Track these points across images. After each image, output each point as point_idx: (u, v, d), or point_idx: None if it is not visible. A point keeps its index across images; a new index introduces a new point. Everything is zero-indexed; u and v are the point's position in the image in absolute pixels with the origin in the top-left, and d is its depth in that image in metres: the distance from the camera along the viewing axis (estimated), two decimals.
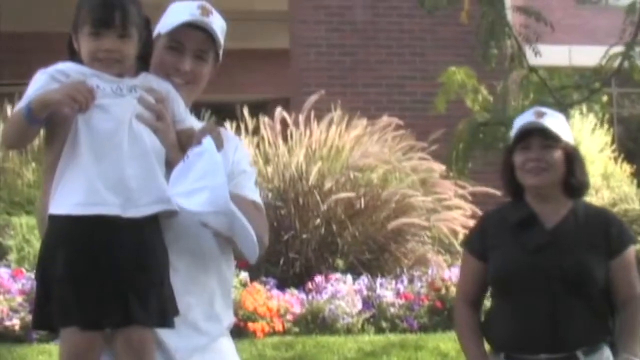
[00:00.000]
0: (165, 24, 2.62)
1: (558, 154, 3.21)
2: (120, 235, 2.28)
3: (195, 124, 2.63)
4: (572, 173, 3.24)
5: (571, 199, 3.27)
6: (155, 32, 2.62)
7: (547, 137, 3.20)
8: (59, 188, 2.32)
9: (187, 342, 2.47)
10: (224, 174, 2.33)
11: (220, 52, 2.69)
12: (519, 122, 3.31)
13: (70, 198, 2.30)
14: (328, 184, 7.94)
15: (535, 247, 3.18)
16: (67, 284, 2.25)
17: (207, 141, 2.37)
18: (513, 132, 3.32)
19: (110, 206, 2.27)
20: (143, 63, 2.53)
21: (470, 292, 3.36)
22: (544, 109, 3.35)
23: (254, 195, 2.68)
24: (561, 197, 3.26)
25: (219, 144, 2.42)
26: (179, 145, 2.46)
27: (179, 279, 2.42)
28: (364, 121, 8.60)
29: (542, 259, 3.16)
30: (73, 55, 2.46)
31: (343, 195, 7.88)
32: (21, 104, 2.34)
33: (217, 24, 2.63)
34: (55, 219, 2.32)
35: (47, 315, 2.30)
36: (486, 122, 6.57)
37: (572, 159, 3.26)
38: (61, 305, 2.26)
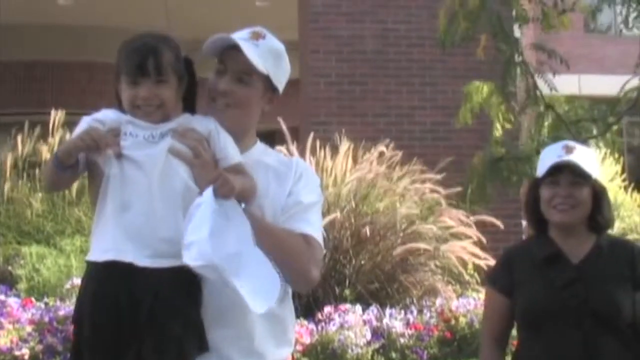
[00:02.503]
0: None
1: (586, 192, 3.13)
2: (136, 281, 2.30)
3: (257, 151, 2.61)
4: (599, 210, 3.17)
5: (595, 233, 3.20)
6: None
7: (576, 174, 3.11)
8: (93, 235, 2.42)
9: None
10: (209, 228, 2.26)
11: (277, 80, 2.60)
12: (548, 156, 3.21)
13: (95, 245, 2.39)
14: (333, 213, 7.93)
15: (563, 283, 3.10)
16: (90, 327, 2.30)
17: (206, 193, 2.32)
18: (541, 166, 3.22)
19: (123, 253, 2.31)
20: (189, 103, 2.52)
21: (495, 329, 3.28)
22: (573, 143, 3.24)
23: (308, 227, 2.55)
24: (585, 232, 3.19)
25: (225, 192, 2.34)
26: None
27: (210, 311, 2.39)
28: (372, 149, 8.61)
29: (571, 295, 3.08)
30: (120, 103, 2.46)
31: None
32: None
33: (266, 48, 2.54)
34: (86, 264, 2.42)
35: (80, 357, 2.35)
36: (502, 157, 6.57)
37: (600, 196, 3.18)
38: (87, 347, 2.32)
